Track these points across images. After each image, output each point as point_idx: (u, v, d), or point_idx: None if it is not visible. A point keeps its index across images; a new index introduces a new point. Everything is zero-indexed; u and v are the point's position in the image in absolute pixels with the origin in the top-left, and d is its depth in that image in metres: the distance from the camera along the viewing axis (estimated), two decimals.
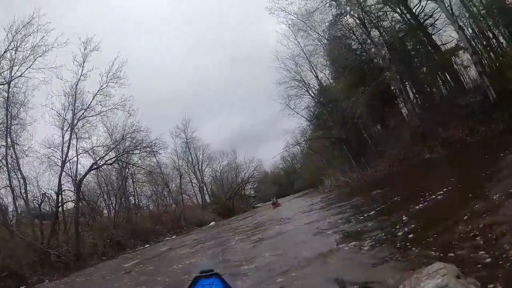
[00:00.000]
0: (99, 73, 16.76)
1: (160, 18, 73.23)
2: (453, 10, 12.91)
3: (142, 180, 24.56)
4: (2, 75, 14.74)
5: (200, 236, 15.49)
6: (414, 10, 14.65)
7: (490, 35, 13.50)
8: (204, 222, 26.66)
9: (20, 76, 14.95)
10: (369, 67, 17.45)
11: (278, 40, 30.56)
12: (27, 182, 15.18)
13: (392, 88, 17.45)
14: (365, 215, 6.12)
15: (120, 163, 20.62)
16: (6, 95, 14.82)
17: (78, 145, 17.21)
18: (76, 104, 16.36)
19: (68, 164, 16.65)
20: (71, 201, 16.38)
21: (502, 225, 2.92)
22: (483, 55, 13.64)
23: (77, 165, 17.44)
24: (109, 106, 17.05)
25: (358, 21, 15.64)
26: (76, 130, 16.62)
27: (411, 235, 3.84)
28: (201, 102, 70.00)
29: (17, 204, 15.03)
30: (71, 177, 17.22)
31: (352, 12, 15.83)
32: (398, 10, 15.59)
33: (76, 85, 16.33)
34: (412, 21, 15.08)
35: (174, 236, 20.91)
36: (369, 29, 15.70)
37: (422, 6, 14.33)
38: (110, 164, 19.10)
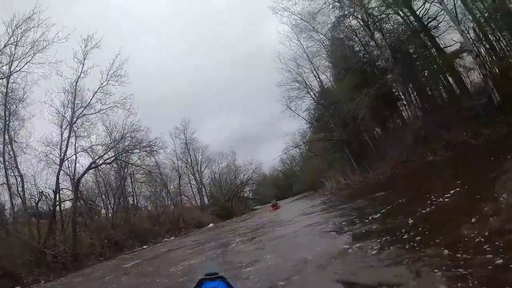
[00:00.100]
0: (100, 70, 16.62)
1: (160, 18, 73.58)
2: (457, 13, 12.90)
3: (141, 180, 24.42)
4: (1, 69, 14.67)
5: (199, 237, 15.36)
6: (418, 12, 14.60)
7: (493, 38, 13.50)
8: (203, 224, 26.54)
9: (19, 70, 14.86)
10: (371, 69, 17.37)
11: (280, 41, 30.61)
12: (25, 180, 15.13)
13: (394, 90, 17.39)
14: (370, 218, 5.99)
15: (119, 163, 20.51)
16: (4, 90, 14.74)
17: (77, 144, 17.19)
18: (75, 102, 16.28)
19: (66, 162, 16.63)
20: (69, 200, 16.31)
21: None
22: (486, 58, 13.62)
23: (75, 163, 17.42)
24: (109, 104, 16.92)
25: (362, 23, 15.58)
26: (75, 128, 16.55)
27: (418, 237, 3.79)
28: (201, 102, 70.09)
29: (14, 202, 14.91)
30: (69, 176, 17.16)
31: (355, 14, 15.78)
32: (401, 12, 15.56)
33: (76, 83, 16.26)
34: (415, 23, 15.03)
35: (173, 238, 20.78)
36: (373, 31, 15.63)
37: (426, 9, 14.29)
38: (109, 163, 18.99)
